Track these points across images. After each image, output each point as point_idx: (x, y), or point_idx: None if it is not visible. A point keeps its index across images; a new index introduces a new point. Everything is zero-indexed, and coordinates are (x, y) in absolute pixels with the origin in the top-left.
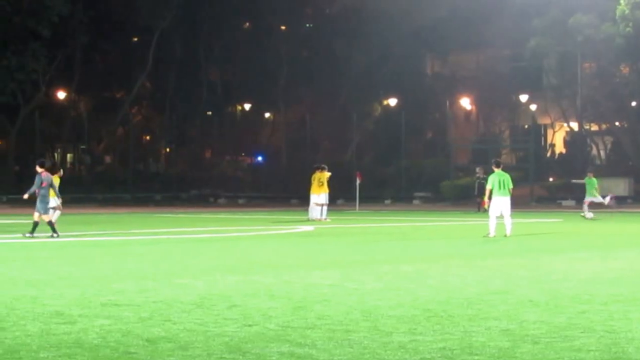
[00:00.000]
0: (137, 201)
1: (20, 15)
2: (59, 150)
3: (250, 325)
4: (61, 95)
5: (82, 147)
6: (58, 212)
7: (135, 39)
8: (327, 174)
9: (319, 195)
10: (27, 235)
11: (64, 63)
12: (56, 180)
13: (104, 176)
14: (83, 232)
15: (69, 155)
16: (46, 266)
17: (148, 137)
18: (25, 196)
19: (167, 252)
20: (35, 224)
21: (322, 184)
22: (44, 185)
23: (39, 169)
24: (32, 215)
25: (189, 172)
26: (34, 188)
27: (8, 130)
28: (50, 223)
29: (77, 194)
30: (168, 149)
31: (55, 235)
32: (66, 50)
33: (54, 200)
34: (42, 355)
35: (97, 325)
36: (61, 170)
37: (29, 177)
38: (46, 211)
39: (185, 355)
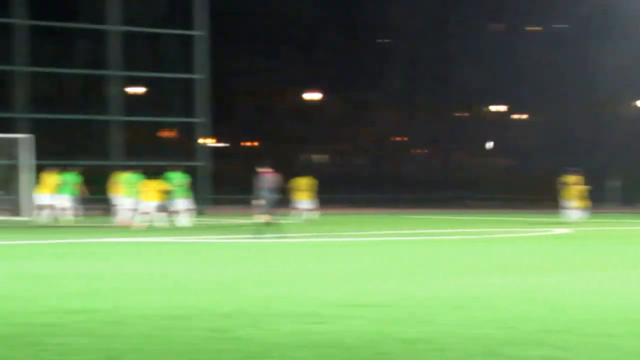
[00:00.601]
0: (388, 202)
1: (274, 18)
2: (309, 151)
3: (507, 328)
4: (313, 96)
5: (334, 148)
6: (312, 214)
7: (387, 40)
8: (576, 178)
9: (566, 198)
10: (275, 236)
11: (316, 65)
12: (309, 181)
13: (355, 177)
14: (335, 233)
15: (320, 157)
16: (298, 266)
17: (399, 138)
18: (256, 202)
19: (420, 253)
20: (268, 225)
21: (570, 187)
22: (266, 185)
23: (261, 170)
24: (282, 215)
25: (441, 173)
26: (262, 191)
27: (261, 132)
28: (261, 223)
29: (328, 194)
30: (420, 150)
31: (256, 237)
32: (318, 51)
33: (308, 202)
34: (298, 354)
35: (353, 326)
36: (310, 173)
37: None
38: (264, 211)
39: (442, 357)
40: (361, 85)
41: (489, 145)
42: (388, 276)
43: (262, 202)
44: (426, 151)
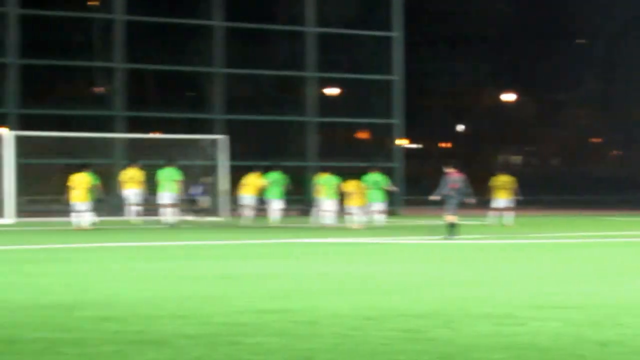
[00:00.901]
0: (583, 204)
1: (468, 19)
2: (504, 152)
3: None
4: (507, 97)
5: (528, 149)
6: (510, 214)
7: (583, 41)
8: None
9: None
10: (447, 237)
11: (509, 64)
12: (508, 179)
13: (551, 179)
14: (529, 234)
15: (514, 158)
16: (492, 267)
17: (595, 139)
18: (433, 197)
19: (616, 255)
20: (451, 226)
21: None
22: (450, 186)
23: (447, 170)
24: (480, 217)
25: (638, 175)
26: (442, 190)
27: (454, 133)
28: (450, 224)
29: (523, 196)
30: (615, 151)
31: (449, 238)
32: (513, 52)
33: (506, 201)
34: (494, 356)
35: (548, 328)
36: (508, 173)
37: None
38: (450, 211)
39: None
40: (556, 86)
41: (460, 128)
42: (582, 278)
43: (447, 202)
44: (622, 152)
